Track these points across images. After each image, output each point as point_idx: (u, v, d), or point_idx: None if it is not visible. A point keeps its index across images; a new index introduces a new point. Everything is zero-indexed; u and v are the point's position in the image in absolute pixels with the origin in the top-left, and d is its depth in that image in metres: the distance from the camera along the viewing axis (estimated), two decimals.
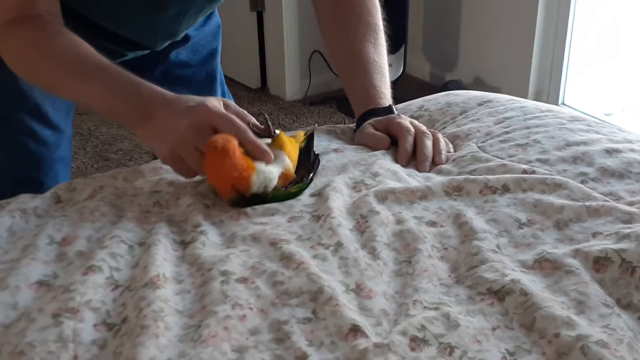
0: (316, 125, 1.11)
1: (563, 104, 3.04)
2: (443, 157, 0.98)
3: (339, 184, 0.87)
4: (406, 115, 1.07)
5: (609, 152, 0.93)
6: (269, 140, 0.86)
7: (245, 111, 0.86)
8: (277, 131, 0.87)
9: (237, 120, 0.82)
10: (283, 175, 0.85)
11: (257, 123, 0.86)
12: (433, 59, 3.57)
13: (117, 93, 0.87)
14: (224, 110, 0.83)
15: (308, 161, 0.91)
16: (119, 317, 0.66)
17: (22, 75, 0.95)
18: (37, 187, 0.92)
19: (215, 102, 0.83)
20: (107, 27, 1.03)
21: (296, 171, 0.88)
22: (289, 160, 0.86)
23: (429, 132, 1.00)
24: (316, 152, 0.95)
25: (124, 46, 1.09)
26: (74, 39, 0.90)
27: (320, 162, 0.94)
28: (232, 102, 0.86)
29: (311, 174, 0.88)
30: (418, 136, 0.99)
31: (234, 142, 0.79)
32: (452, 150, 1.01)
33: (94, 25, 1.01)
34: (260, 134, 0.85)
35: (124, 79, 0.87)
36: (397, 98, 1.12)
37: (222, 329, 0.62)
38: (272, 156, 0.83)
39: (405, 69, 3.26)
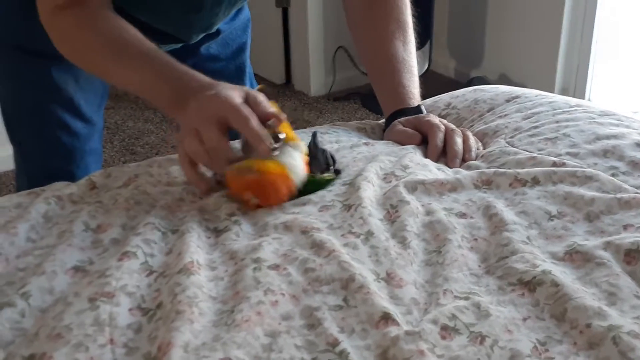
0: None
1: (589, 101, 3.02)
2: (473, 154, 0.98)
3: (370, 174, 0.87)
4: (434, 114, 1.07)
5: None
6: (283, 135, 0.83)
7: (265, 101, 0.83)
8: (282, 135, 0.82)
9: (243, 110, 0.80)
10: (305, 162, 0.84)
11: (270, 111, 0.82)
12: (458, 56, 3.55)
13: (159, 78, 0.88)
14: (235, 101, 0.80)
15: (318, 155, 0.90)
16: (153, 302, 0.67)
17: (70, 59, 0.97)
18: (68, 178, 0.93)
19: (232, 92, 0.82)
20: (144, 21, 1.04)
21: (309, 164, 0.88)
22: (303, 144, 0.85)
23: (458, 130, 1.01)
24: (322, 147, 0.93)
25: (159, 39, 1.10)
26: (120, 22, 0.91)
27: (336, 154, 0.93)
28: (253, 91, 0.84)
29: (333, 166, 0.87)
30: (448, 133, 1.00)
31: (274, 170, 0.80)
32: (481, 148, 1.01)
33: (130, 18, 1.03)
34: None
35: (166, 64, 0.88)
36: (422, 95, 1.12)
37: (254, 314, 0.63)
38: (269, 146, 0.80)
39: (430, 66, 3.25)
